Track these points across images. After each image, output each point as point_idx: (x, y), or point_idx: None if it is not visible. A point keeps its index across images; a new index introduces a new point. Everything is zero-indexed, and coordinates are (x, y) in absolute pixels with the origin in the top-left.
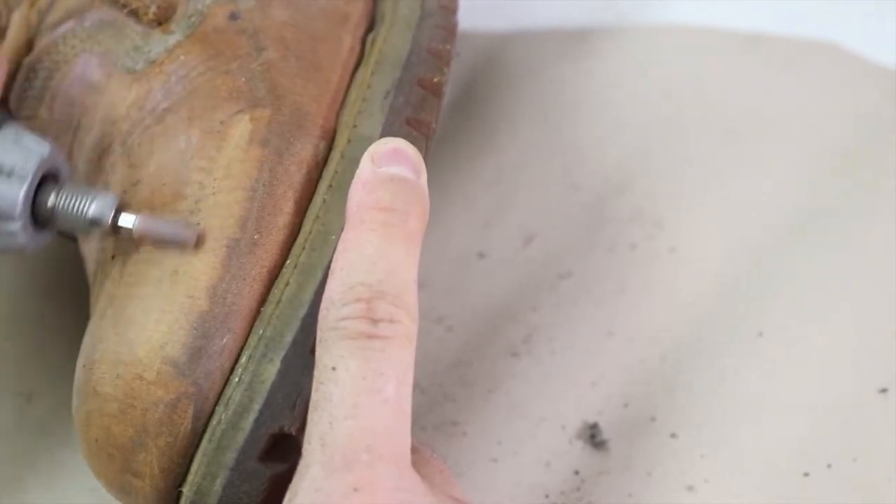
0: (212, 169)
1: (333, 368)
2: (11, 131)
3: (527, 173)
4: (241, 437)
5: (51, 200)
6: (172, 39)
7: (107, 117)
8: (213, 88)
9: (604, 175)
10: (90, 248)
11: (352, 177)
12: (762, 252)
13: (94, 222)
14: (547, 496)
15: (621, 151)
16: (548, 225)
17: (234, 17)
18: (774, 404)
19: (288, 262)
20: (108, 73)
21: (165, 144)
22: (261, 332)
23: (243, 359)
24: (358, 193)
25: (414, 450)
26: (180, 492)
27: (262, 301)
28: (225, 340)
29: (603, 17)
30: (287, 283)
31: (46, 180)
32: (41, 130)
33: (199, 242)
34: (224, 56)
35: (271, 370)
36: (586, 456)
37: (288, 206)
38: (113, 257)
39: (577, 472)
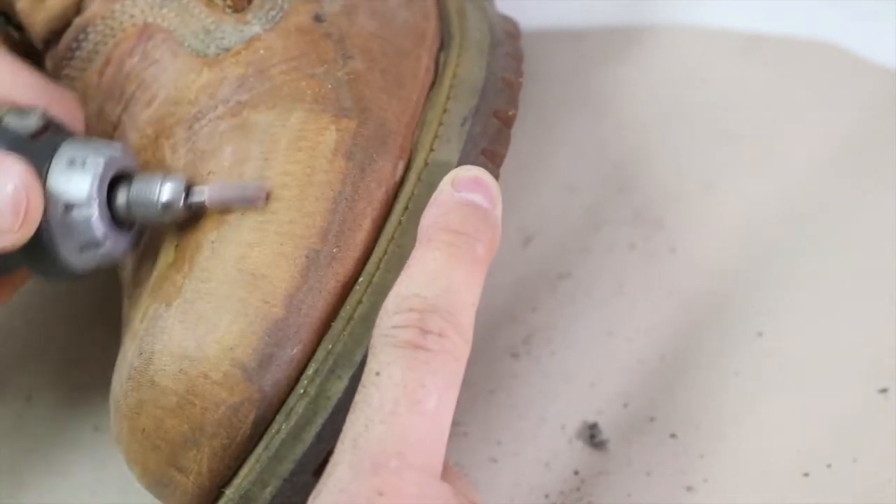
0: (296, 174)
1: (377, 373)
2: (80, 138)
3: (526, 174)
4: (299, 450)
5: (122, 195)
6: (249, 30)
7: (170, 97)
8: (298, 90)
9: (603, 175)
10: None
11: (426, 201)
12: (762, 252)
13: (168, 205)
14: (547, 496)
15: (620, 152)
16: (547, 225)
17: (318, 18)
18: (774, 404)
19: (361, 279)
20: (172, 52)
21: (243, 139)
22: (330, 346)
23: (310, 371)
24: (432, 214)
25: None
26: (221, 492)
27: (334, 316)
28: (295, 351)
29: (602, 17)
30: (360, 302)
31: (120, 180)
32: (85, 93)
33: (268, 198)
34: (309, 58)
35: (339, 387)
36: (586, 456)
37: (366, 223)
38: (177, 246)
39: (576, 472)
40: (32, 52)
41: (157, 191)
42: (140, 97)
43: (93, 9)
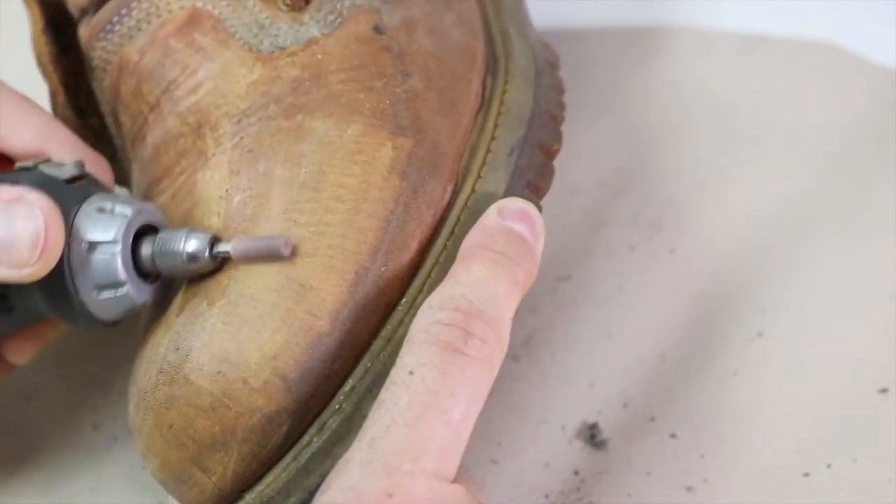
0: (351, 187)
1: (411, 372)
2: (112, 194)
3: None
4: (328, 465)
5: (149, 246)
6: (306, 31)
7: (218, 88)
8: (356, 102)
9: (602, 177)
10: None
11: (471, 227)
12: (762, 252)
13: (193, 257)
14: (547, 496)
15: (620, 153)
16: (546, 227)
17: (378, 30)
18: (774, 404)
19: (404, 300)
20: (223, 42)
21: (297, 144)
22: (368, 365)
23: (346, 388)
24: (477, 235)
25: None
26: (241, 495)
27: (375, 334)
28: (336, 366)
29: (601, 18)
30: (401, 323)
31: (145, 233)
32: (122, 69)
33: (293, 252)
34: (368, 70)
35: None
36: (586, 456)
37: (414, 245)
38: None
39: (576, 473)
40: (61, 19)
41: (183, 242)
42: (183, 83)
43: None
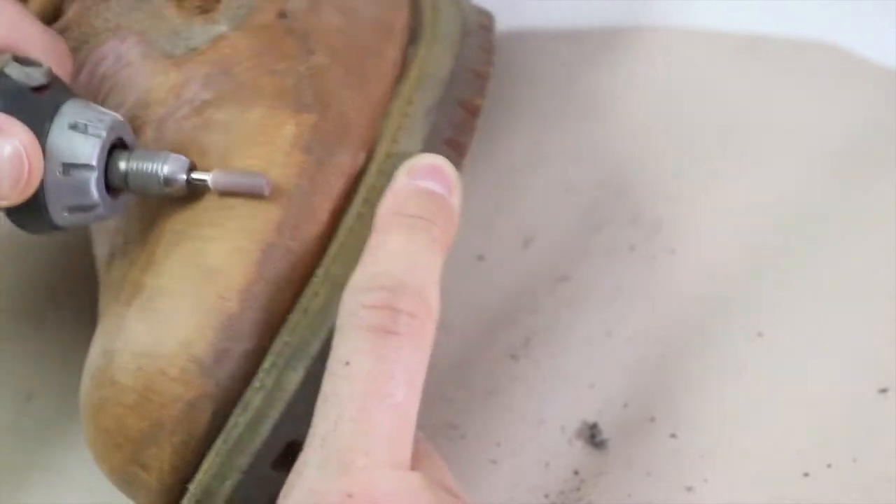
0: (255, 168)
1: (347, 363)
2: (81, 100)
3: (525, 176)
4: (257, 442)
5: (123, 163)
6: (217, 30)
7: (140, 99)
8: (259, 87)
9: (602, 177)
10: (106, 230)
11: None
12: (762, 252)
13: (169, 180)
14: (547, 496)
15: (620, 153)
16: (546, 227)
17: (283, 15)
18: (774, 404)
19: (319, 271)
20: (144, 54)
21: (206, 137)
22: (287, 339)
23: (266, 364)
24: (388, 203)
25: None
26: (186, 488)
27: (291, 308)
28: (250, 345)
29: (601, 18)
30: (316, 294)
31: (117, 147)
32: None
33: (271, 192)
34: (271, 55)
35: (294, 379)
36: (586, 456)
37: (323, 216)
38: (126, 243)
39: (576, 473)
40: None
41: (162, 164)
42: (113, 100)
43: (69, 14)
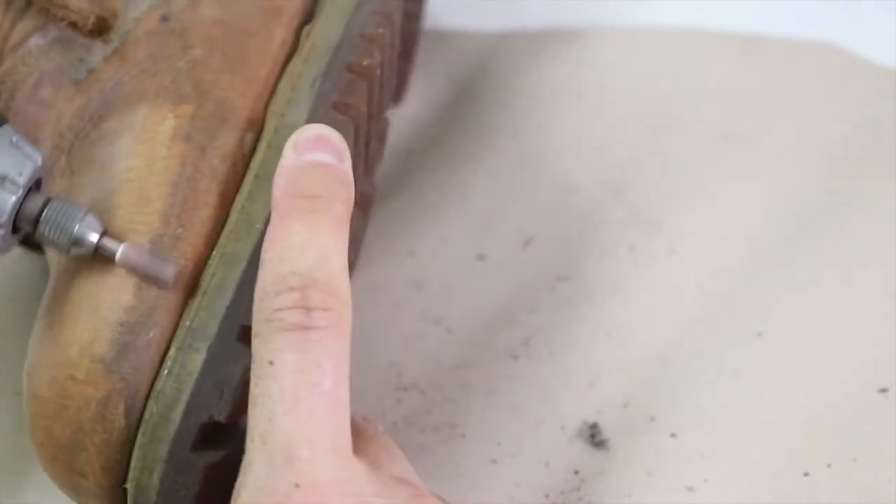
0: (138, 167)
1: (271, 363)
2: (6, 134)
3: (525, 175)
4: (172, 429)
5: (36, 210)
6: (110, 48)
7: (55, 131)
8: (142, 90)
9: (602, 177)
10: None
11: (276, 165)
12: (762, 252)
13: (77, 242)
14: (547, 496)
15: (619, 153)
16: (546, 227)
17: (165, 18)
18: (774, 404)
19: (214, 252)
20: (56, 87)
21: (101, 149)
22: (187, 323)
23: (172, 351)
24: (281, 182)
25: (356, 429)
26: (125, 488)
27: (190, 293)
28: (152, 334)
29: (600, 18)
30: (213, 274)
31: (32, 189)
32: None
33: (175, 281)
34: (154, 58)
35: (197, 360)
36: (586, 456)
37: (212, 199)
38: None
39: (576, 472)
40: None
41: (76, 222)
42: (39, 139)
43: (2, 69)
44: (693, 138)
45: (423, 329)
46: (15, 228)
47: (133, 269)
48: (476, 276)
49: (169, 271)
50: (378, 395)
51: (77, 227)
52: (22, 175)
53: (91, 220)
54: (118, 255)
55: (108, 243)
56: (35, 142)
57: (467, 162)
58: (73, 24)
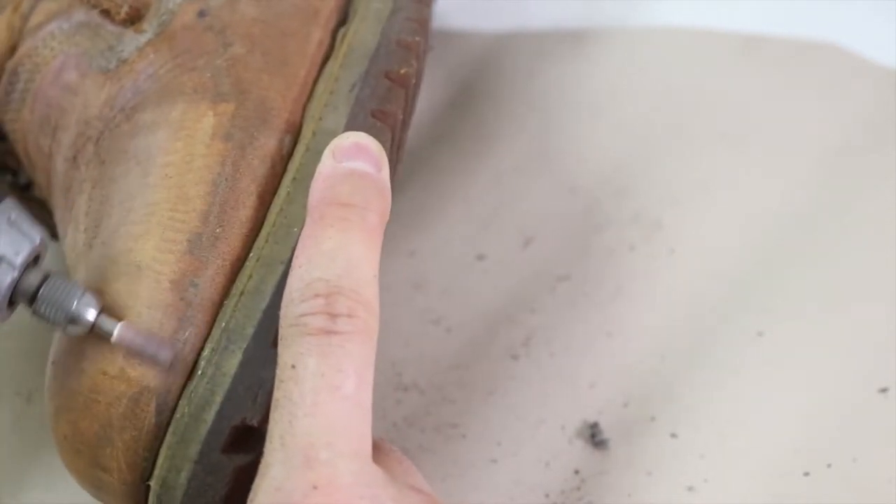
0: (176, 163)
1: (293, 366)
2: (5, 211)
3: (526, 175)
4: (203, 430)
5: (33, 287)
6: (143, 38)
7: (81, 118)
8: (179, 85)
9: (602, 177)
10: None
11: (314, 169)
12: (762, 252)
13: (74, 320)
14: (547, 496)
15: (620, 153)
16: (546, 227)
17: (202, 14)
18: (775, 404)
19: (251, 254)
20: (83, 74)
21: (134, 141)
22: (223, 324)
23: (206, 351)
24: (318, 189)
25: (373, 445)
26: (148, 486)
27: (226, 294)
28: (187, 334)
29: (601, 18)
30: (250, 276)
31: (30, 265)
32: (25, 133)
33: (173, 363)
34: (191, 53)
35: (233, 362)
36: (586, 455)
37: (251, 200)
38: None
39: (577, 472)
40: None
41: (75, 300)
42: (62, 124)
43: (21, 49)
44: (693, 138)
45: (423, 329)
46: (11, 302)
47: (129, 350)
48: (476, 276)
49: (166, 354)
50: (378, 395)
51: (75, 305)
52: (19, 255)
53: (89, 297)
54: (114, 336)
55: (105, 323)
56: (58, 128)
57: (468, 162)
58: (106, 12)
